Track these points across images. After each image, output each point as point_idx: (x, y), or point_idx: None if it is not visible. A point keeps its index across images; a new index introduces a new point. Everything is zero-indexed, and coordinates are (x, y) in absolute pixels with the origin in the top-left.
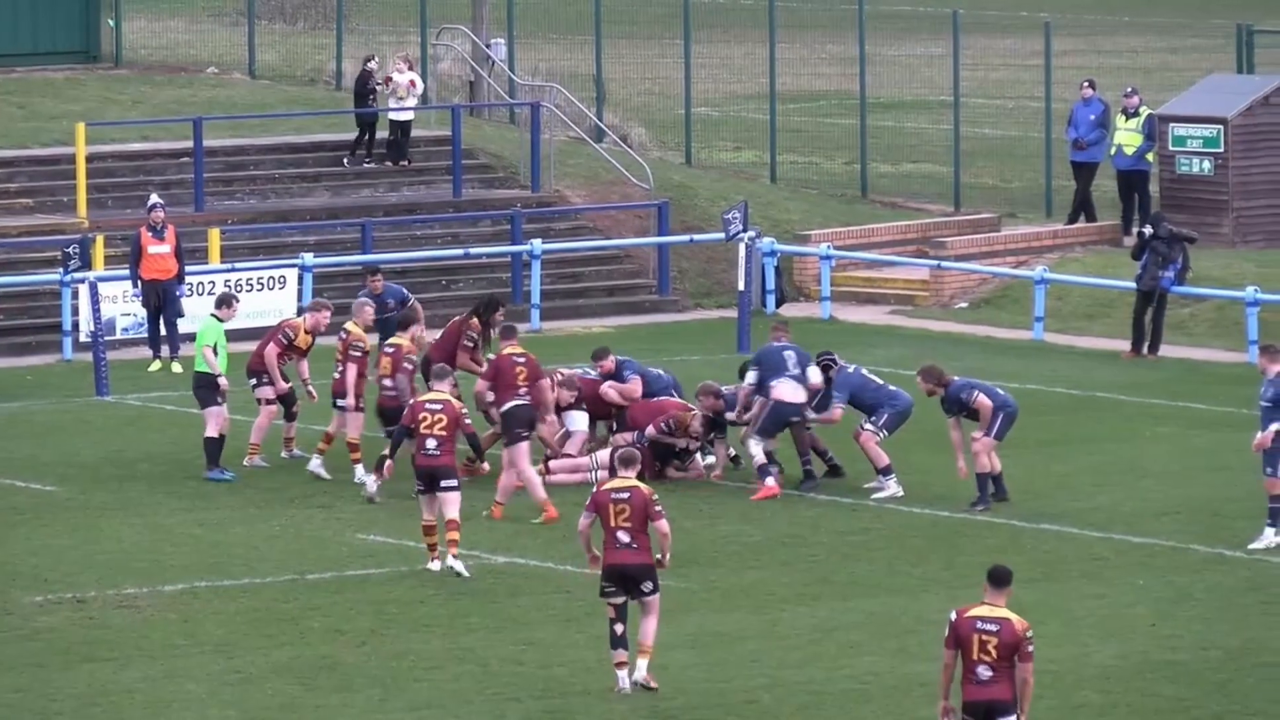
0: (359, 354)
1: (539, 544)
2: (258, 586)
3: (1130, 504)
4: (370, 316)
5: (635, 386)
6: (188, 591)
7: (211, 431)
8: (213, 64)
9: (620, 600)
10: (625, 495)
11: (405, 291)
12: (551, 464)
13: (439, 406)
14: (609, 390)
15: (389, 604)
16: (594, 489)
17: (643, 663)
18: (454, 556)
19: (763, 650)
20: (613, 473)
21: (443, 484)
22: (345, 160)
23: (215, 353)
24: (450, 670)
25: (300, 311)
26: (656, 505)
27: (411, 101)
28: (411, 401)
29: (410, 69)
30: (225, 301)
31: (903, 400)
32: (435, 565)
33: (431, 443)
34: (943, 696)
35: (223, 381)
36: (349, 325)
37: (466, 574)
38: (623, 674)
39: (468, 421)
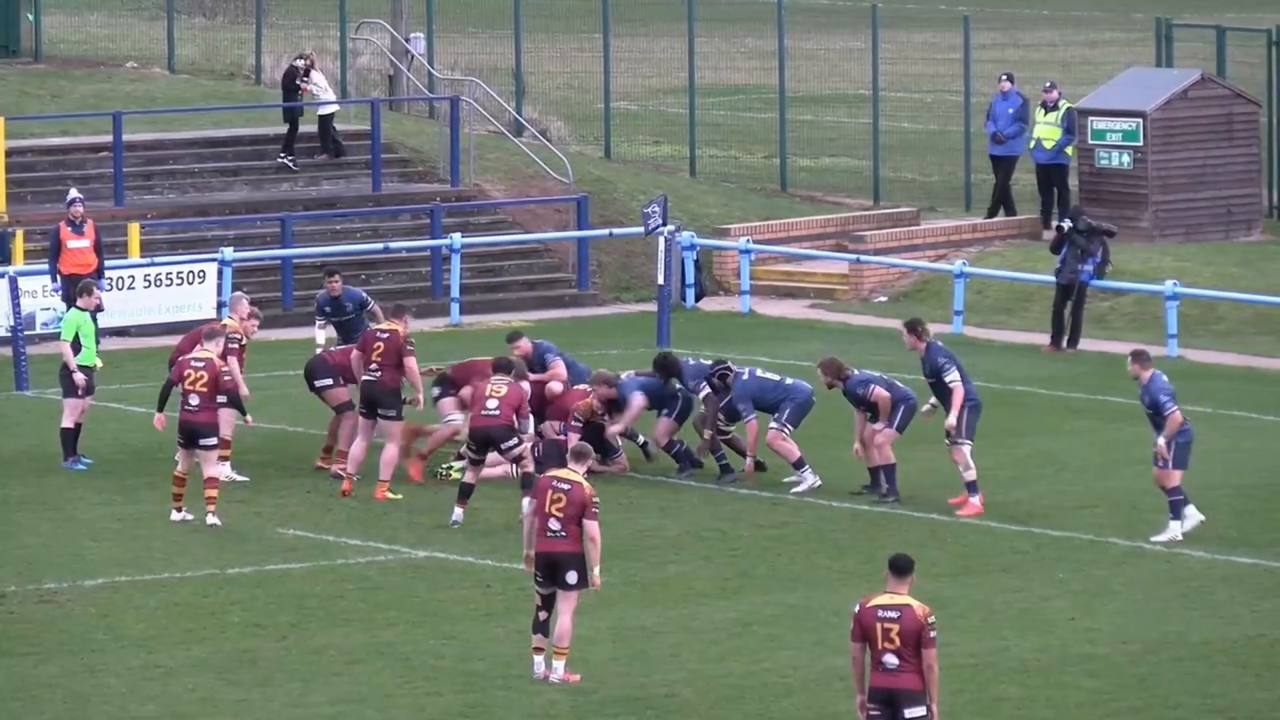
0: (236, 347)
1: (460, 538)
2: (177, 581)
3: (1049, 498)
4: (246, 310)
5: (560, 369)
6: (108, 586)
7: (67, 422)
8: (132, 58)
9: (546, 591)
10: (566, 487)
11: (364, 295)
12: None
13: (201, 364)
14: (550, 389)
15: (309, 598)
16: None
17: (559, 664)
18: (211, 513)
19: (682, 644)
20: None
21: (200, 442)
22: (283, 158)
23: (80, 344)
24: (370, 664)
25: (220, 309)
26: (594, 506)
27: (331, 94)
28: (180, 359)
29: (314, 67)
30: (85, 290)
31: (801, 391)
32: (176, 515)
33: (194, 399)
34: (859, 691)
35: (79, 377)
36: (224, 319)
37: (219, 523)
38: (538, 659)
39: (227, 379)
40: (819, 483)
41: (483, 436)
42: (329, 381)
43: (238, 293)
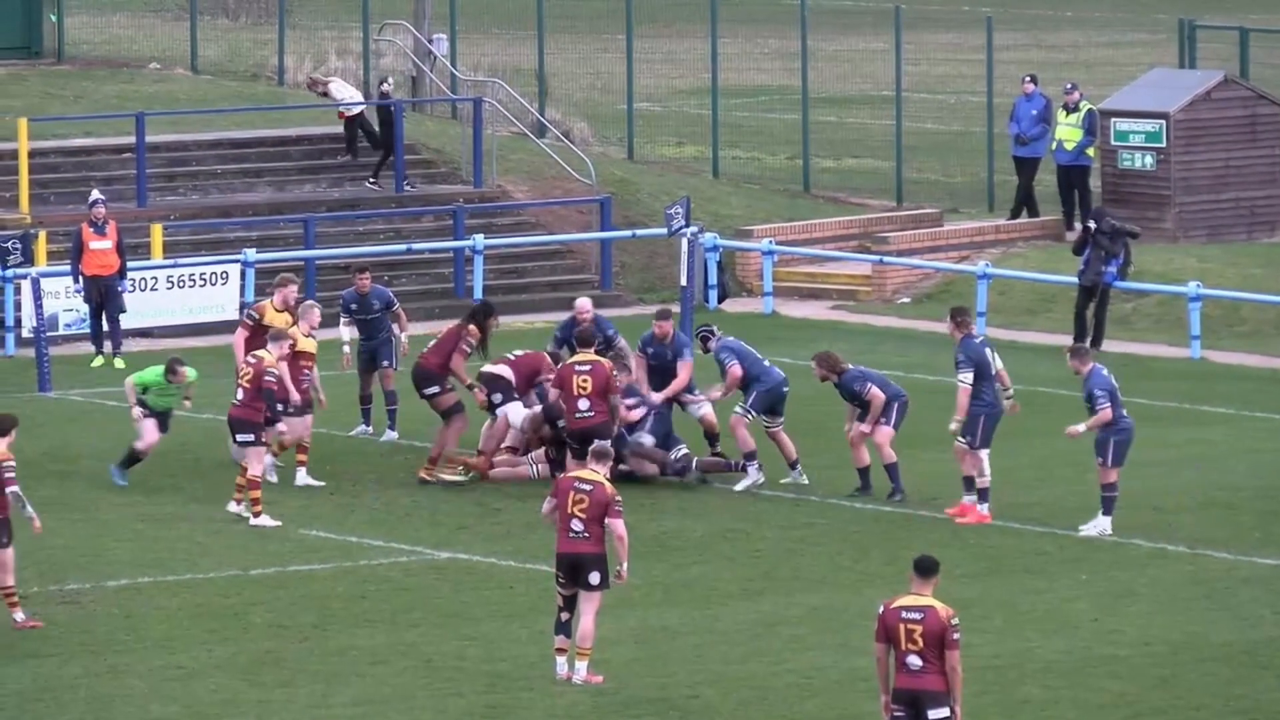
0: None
1: (481, 539)
2: (200, 582)
3: (1073, 499)
4: (317, 319)
5: (685, 373)
6: (130, 587)
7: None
8: (155, 59)
9: (568, 592)
10: (588, 488)
11: (391, 294)
12: (495, 459)
13: (253, 361)
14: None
15: (331, 599)
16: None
17: (581, 665)
18: (235, 501)
19: (705, 645)
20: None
21: (237, 437)
22: (371, 182)
23: (145, 393)
24: (393, 665)
25: (242, 309)
26: (617, 505)
27: (358, 95)
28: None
29: (330, 80)
30: (172, 369)
31: (773, 377)
32: (233, 507)
33: (239, 394)
34: (883, 691)
35: (135, 411)
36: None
37: (246, 519)
38: (561, 660)
39: (269, 379)
40: (763, 480)
41: (581, 435)
42: (436, 389)
43: (309, 300)
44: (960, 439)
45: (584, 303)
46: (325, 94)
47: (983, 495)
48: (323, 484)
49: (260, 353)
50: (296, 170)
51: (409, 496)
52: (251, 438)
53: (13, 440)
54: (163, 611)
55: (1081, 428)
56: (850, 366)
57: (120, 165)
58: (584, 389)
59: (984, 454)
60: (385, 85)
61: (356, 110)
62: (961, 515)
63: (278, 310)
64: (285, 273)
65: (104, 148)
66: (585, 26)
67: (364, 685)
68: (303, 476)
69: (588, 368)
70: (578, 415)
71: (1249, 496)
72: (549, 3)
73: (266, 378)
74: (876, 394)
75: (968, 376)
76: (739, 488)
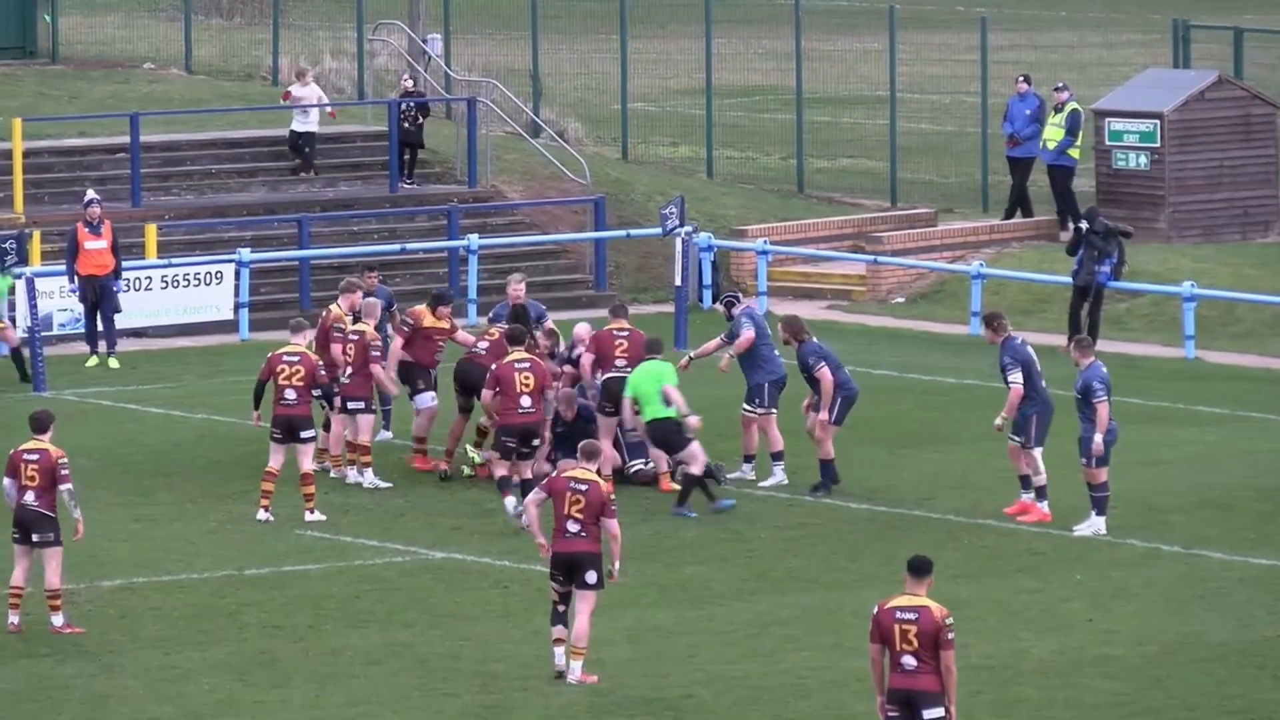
0: (376, 354)
1: (476, 539)
2: (195, 582)
3: (1067, 499)
4: (379, 313)
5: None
6: (125, 587)
7: (697, 469)
8: (149, 59)
9: (564, 589)
10: (584, 488)
11: (391, 294)
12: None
13: (296, 359)
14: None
15: (326, 599)
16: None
17: (576, 664)
18: (310, 510)
19: (700, 645)
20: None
21: (301, 435)
22: (408, 182)
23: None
24: (388, 666)
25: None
26: (612, 504)
27: (315, 114)
28: (270, 354)
29: (310, 81)
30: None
31: (778, 368)
32: (261, 515)
33: (290, 394)
34: (878, 691)
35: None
36: (359, 325)
37: (323, 517)
38: (559, 651)
39: (322, 374)
40: (785, 480)
41: (522, 432)
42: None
43: (371, 298)
44: (1013, 438)
45: (517, 288)
46: (290, 90)
47: (1040, 493)
48: (390, 484)
49: (297, 349)
50: (290, 170)
51: (403, 496)
52: (314, 432)
53: (52, 435)
54: (158, 612)
55: (1098, 437)
56: (813, 339)
57: (115, 165)
58: (526, 385)
59: (1038, 452)
60: (407, 82)
61: (310, 128)
62: (1022, 513)
63: (347, 315)
64: (368, 274)
65: (98, 148)
66: (579, 27)
67: (359, 686)
68: (354, 474)
69: (527, 364)
70: (520, 411)
71: (1244, 497)
72: (543, 3)
73: (320, 372)
74: (826, 374)
75: (1017, 377)
76: (766, 483)
